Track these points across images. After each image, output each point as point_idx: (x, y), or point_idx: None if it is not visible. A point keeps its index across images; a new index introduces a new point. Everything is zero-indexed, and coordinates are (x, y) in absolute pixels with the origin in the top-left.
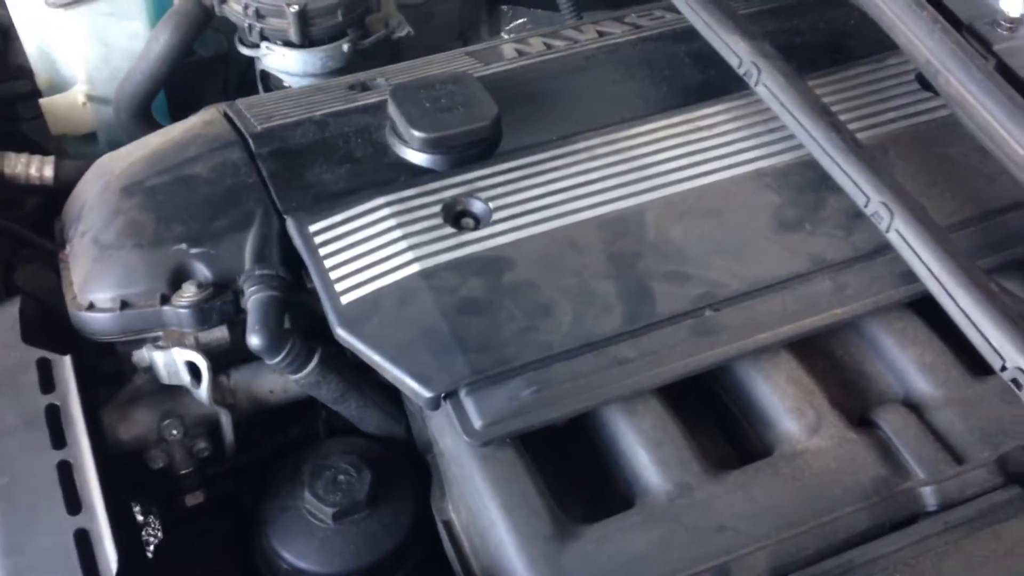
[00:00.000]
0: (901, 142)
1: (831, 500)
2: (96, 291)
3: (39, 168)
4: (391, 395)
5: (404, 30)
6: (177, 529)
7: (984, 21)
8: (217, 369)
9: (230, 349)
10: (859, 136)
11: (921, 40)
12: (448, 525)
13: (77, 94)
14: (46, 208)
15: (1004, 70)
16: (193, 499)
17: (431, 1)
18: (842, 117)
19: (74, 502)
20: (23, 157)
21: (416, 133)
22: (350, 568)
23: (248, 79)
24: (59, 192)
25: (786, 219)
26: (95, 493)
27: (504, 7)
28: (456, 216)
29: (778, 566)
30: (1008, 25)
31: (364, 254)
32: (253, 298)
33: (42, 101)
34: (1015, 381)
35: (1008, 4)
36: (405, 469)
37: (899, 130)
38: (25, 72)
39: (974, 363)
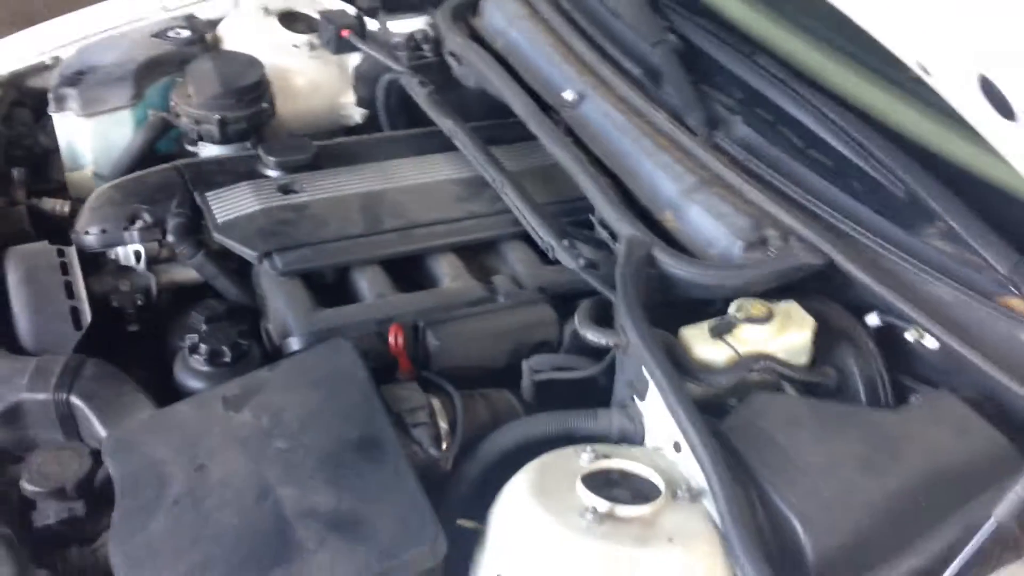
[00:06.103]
0: (536, 172)
1: (450, 298)
2: (88, 226)
3: (61, 207)
4: (247, 282)
5: None
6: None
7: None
8: (151, 263)
9: (159, 255)
10: (512, 167)
11: (524, 112)
12: (267, 331)
13: (88, 171)
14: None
15: (568, 130)
16: (133, 327)
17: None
18: (505, 157)
19: (70, 292)
20: (53, 200)
21: (270, 158)
22: None
23: None
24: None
25: (461, 196)
26: (81, 287)
27: None
28: (285, 190)
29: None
30: (569, 103)
31: (233, 204)
32: (171, 222)
33: (66, 175)
34: (545, 252)
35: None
36: (248, 313)
37: (535, 167)
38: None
39: (549, 261)
